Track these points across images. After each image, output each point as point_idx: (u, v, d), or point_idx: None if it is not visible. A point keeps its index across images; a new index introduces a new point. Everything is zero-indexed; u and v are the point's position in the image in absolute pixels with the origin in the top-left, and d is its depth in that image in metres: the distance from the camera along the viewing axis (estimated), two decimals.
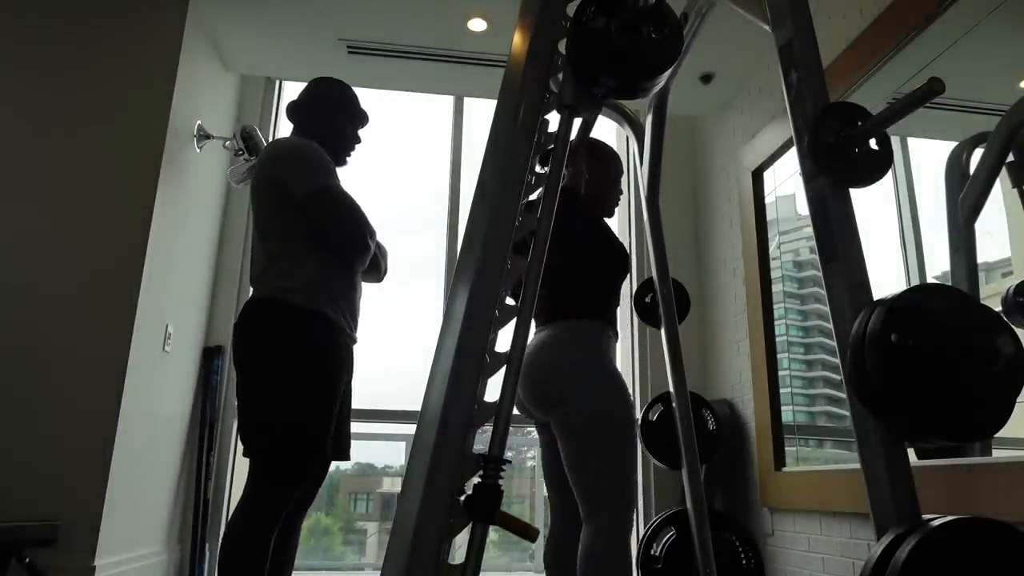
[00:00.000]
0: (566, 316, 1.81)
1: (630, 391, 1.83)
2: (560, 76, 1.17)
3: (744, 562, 2.63)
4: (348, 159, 2.12)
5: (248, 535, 1.69)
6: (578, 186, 1.95)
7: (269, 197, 1.89)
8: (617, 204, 2.08)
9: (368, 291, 2.10)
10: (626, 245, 3.76)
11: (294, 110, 2.08)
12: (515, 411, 1.08)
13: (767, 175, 3.09)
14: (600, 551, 1.62)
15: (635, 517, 1.74)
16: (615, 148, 2.17)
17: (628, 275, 2.00)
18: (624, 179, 2.13)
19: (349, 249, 1.91)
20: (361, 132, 2.14)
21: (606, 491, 1.67)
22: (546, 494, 2.04)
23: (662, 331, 2.17)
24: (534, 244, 1.05)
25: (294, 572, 1.91)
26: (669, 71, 1.18)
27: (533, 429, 3.73)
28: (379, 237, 2.09)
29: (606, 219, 2.06)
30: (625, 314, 3.77)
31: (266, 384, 1.78)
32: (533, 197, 1.11)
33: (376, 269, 2.07)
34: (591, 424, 1.70)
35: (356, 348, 2.01)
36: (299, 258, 1.85)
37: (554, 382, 1.74)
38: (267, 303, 1.84)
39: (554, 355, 1.77)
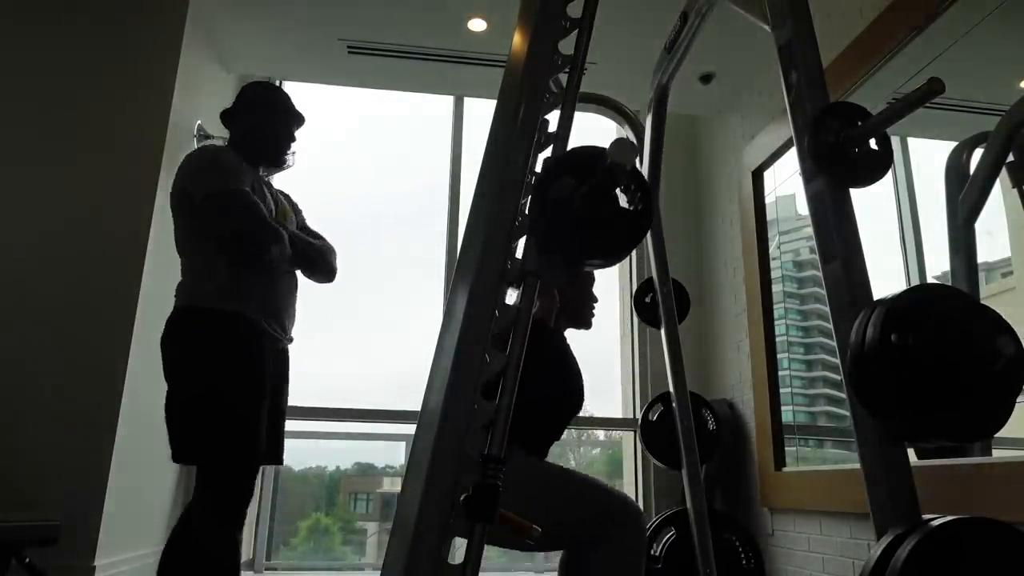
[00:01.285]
0: None
1: (534, 462, 1.73)
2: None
3: (744, 562, 2.63)
4: (288, 159, 2.08)
5: (217, 543, 1.69)
6: (548, 317, 1.85)
7: (177, 207, 1.90)
8: (593, 315, 1.99)
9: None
10: None
11: (226, 117, 2.06)
12: None
13: (767, 175, 3.09)
14: None
15: (644, 522, 1.69)
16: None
17: (578, 412, 1.93)
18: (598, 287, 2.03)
19: (246, 251, 1.88)
20: (298, 132, 2.10)
21: (590, 535, 1.61)
22: None
23: (662, 331, 2.17)
24: (503, 384, 0.98)
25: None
26: (638, 243, 1.11)
27: None
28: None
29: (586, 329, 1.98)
30: (625, 314, 3.77)
31: (187, 389, 1.76)
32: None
33: (313, 268, 2.03)
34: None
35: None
36: (210, 263, 1.85)
37: None
38: (181, 311, 1.84)
39: None
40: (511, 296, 1.07)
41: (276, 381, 1.92)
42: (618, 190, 1.04)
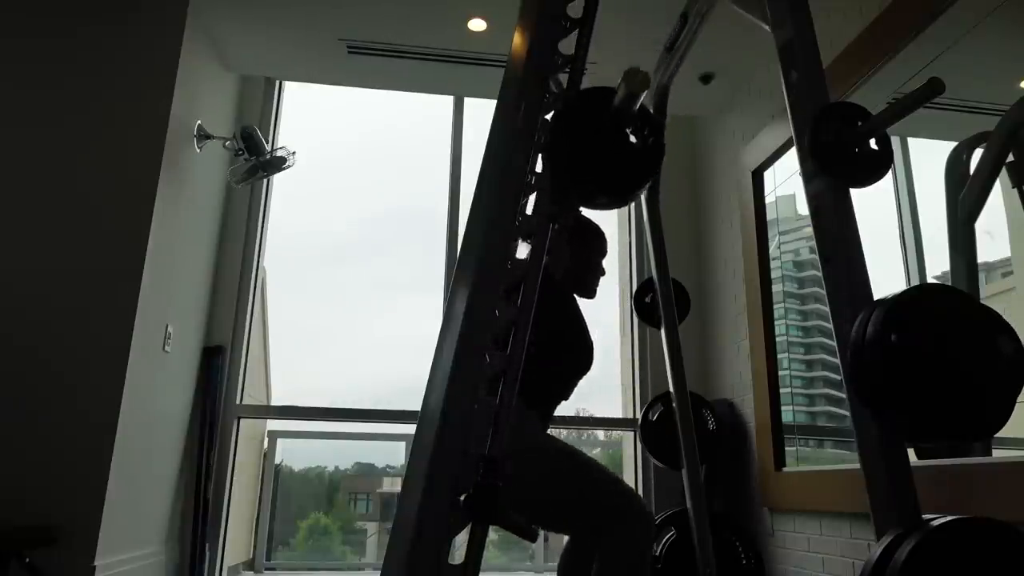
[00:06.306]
0: None
1: (553, 442, 1.78)
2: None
3: (744, 562, 2.63)
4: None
5: None
6: (555, 269, 1.87)
7: None
8: (597, 285, 2.02)
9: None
10: (626, 246, 3.77)
11: None
12: None
13: (767, 175, 3.09)
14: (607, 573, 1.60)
15: (650, 521, 1.71)
16: None
17: (587, 372, 1.94)
18: (607, 259, 2.06)
19: None
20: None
21: (594, 527, 1.65)
22: None
23: (662, 331, 2.17)
24: (514, 336, 1.01)
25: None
26: (652, 179, 1.15)
27: None
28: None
29: (588, 299, 2.00)
30: (625, 314, 3.77)
31: None
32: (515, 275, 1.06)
33: None
34: (527, 501, 1.62)
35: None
36: None
37: None
38: None
39: None
40: (508, 305, 1.07)
41: None
42: (629, 130, 1.09)
